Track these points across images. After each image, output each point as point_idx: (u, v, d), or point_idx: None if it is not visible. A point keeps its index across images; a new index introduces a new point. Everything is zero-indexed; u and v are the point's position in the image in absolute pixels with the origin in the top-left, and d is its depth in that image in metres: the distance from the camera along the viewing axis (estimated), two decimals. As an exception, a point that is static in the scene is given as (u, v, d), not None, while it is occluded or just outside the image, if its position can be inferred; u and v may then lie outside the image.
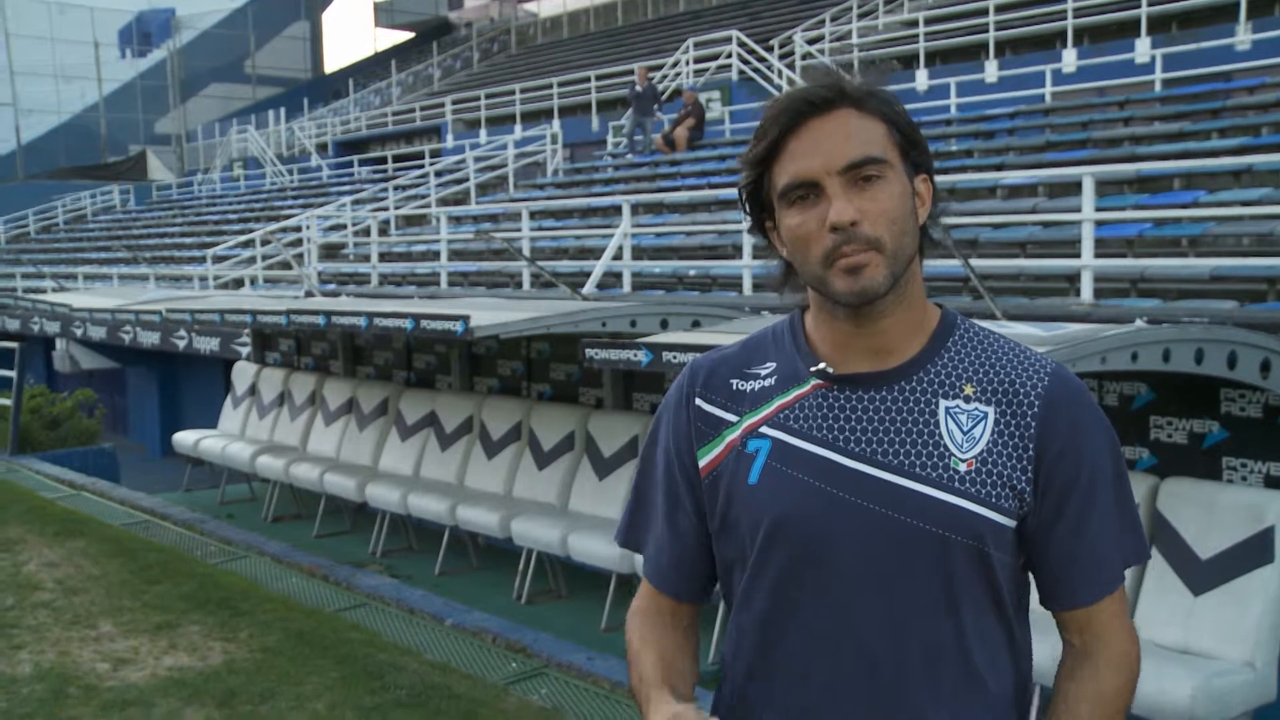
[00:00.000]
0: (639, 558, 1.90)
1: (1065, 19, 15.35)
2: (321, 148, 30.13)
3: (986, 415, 1.62)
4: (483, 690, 5.57)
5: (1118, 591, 1.68)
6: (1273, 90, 11.41)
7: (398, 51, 43.11)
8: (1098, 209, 8.26)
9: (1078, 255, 8.01)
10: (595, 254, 11.80)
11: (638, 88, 17.94)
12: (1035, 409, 1.61)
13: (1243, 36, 13.17)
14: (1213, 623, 5.23)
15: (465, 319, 6.99)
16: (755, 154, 1.63)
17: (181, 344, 13.77)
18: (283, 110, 33.93)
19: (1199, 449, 5.91)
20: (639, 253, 12.40)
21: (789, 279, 1.69)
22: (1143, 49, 13.95)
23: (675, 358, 5.62)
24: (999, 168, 11.50)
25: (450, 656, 6.13)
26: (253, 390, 12.83)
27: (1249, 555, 5.24)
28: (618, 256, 11.24)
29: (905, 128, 1.62)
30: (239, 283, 17.75)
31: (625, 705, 5.40)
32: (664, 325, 7.16)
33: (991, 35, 15.94)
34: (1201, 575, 5.33)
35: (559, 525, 7.99)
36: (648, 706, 1.68)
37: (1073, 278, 8.38)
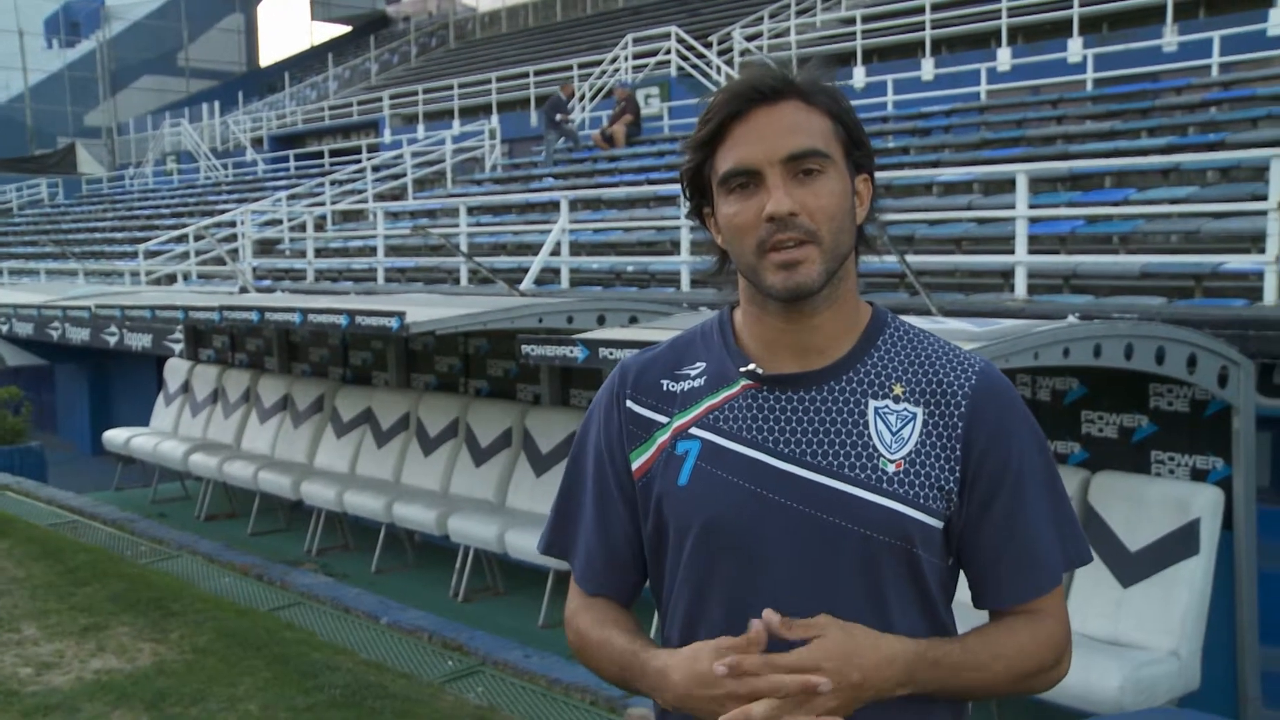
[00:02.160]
0: None
1: (1000, 18, 15.53)
2: (257, 142, 29.70)
3: (915, 416, 1.61)
4: (418, 689, 5.52)
5: (1054, 592, 1.66)
6: (1199, 91, 11.63)
7: (334, 45, 42.55)
8: (1031, 206, 8.37)
9: (1012, 252, 8.11)
10: (533, 250, 11.76)
11: (568, 104, 17.94)
12: (962, 408, 1.61)
13: (1170, 38, 13.40)
14: (1141, 613, 5.32)
15: (401, 315, 6.92)
16: (699, 137, 1.62)
17: (112, 340, 13.51)
18: (217, 104, 33.40)
19: (1129, 443, 6.01)
20: (577, 249, 12.37)
21: (723, 269, 1.68)
22: (1075, 49, 14.14)
23: (611, 354, 5.60)
24: (935, 164, 11.62)
25: (385, 655, 6.08)
26: (186, 387, 12.63)
27: (1176, 547, 5.34)
28: (555, 252, 11.20)
29: (851, 125, 1.61)
30: (171, 278, 17.46)
31: (561, 702, 5.38)
32: (601, 321, 7.14)
33: (928, 33, 16.09)
34: (1130, 567, 5.42)
35: (496, 522, 7.95)
36: (648, 666, 1.59)
37: (1007, 274, 8.48)
